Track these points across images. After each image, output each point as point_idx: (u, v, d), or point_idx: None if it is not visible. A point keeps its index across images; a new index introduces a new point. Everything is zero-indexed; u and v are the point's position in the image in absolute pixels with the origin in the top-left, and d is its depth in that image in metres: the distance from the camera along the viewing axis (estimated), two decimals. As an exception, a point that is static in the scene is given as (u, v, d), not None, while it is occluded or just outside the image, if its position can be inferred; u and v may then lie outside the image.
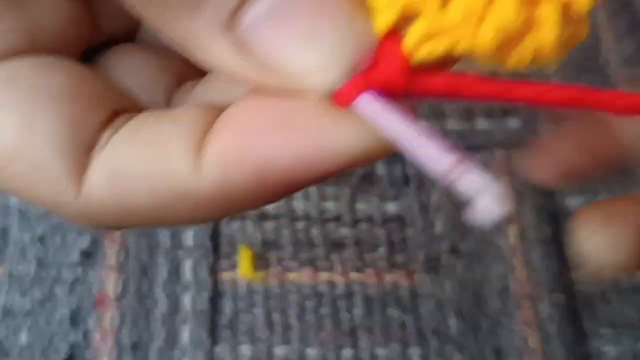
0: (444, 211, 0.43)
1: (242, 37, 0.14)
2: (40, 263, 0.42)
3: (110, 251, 0.42)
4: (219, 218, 0.17)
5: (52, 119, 0.16)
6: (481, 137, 0.45)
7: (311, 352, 0.40)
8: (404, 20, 0.13)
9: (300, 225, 0.43)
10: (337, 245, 0.42)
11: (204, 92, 0.19)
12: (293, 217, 0.43)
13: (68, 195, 0.16)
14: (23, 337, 0.40)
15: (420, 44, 0.13)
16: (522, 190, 0.43)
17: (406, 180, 0.44)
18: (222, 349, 0.40)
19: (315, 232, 0.43)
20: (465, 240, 0.42)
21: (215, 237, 0.43)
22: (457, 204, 0.43)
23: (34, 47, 0.17)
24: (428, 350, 0.40)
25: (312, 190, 0.44)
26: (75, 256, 0.42)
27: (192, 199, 0.16)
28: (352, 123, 0.14)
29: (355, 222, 0.43)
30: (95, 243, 0.43)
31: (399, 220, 0.43)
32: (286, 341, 0.40)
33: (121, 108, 0.17)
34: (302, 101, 0.15)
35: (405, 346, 0.40)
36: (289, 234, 0.43)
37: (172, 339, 0.40)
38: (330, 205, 0.43)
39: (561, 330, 0.40)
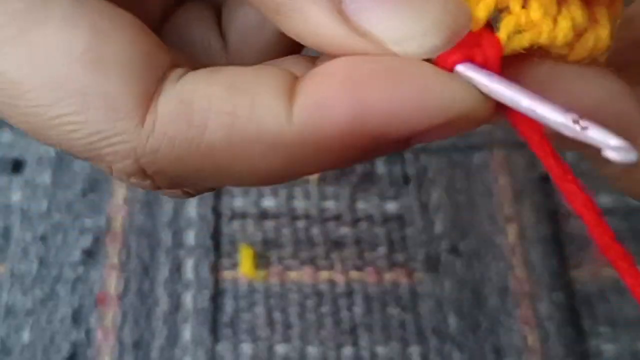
0: (443, 210, 0.43)
1: (343, 4, 0.15)
2: (42, 262, 0.42)
3: (112, 250, 0.42)
4: (291, 174, 0.16)
5: (125, 43, 0.15)
6: (481, 137, 0.45)
7: (312, 350, 0.40)
8: (494, 14, 0.16)
9: (301, 224, 0.43)
10: (337, 244, 0.43)
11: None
12: (294, 216, 0.43)
13: (127, 127, 0.15)
14: (25, 336, 0.40)
15: (512, 35, 0.15)
16: (522, 190, 0.43)
17: (406, 179, 0.44)
18: (223, 347, 0.40)
19: (315, 231, 0.43)
20: (464, 240, 0.42)
21: (216, 236, 0.43)
22: (456, 203, 0.43)
23: None
24: (428, 348, 0.40)
25: (313, 189, 0.44)
26: (76, 255, 0.42)
27: (275, 144, 0.15)
28: (458, 83, 0.15)
29: (355, 221, 0.43)
30: (97, 242, 0.43)
31: (399, 219, 0.43)
32: (287, 339, 0.40)
33: (185, 63, 0.17)
34: (406, 59, 0.15)
35: (405, 345, 0.40)
36: (289, 233, 0.43)
37: (173, 338, 0.40)
38: (330, 205, 0.43)
39: (560, 329, 0.40)
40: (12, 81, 0.15)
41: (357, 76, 0.15)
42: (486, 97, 0.15)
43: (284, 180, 0.17)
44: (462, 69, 0.15)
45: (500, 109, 0.15)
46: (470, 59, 0.15)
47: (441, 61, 0.15)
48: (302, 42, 0.16)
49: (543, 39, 0.15)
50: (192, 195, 0.19)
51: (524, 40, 0.15)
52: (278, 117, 0.15)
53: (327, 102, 0.14)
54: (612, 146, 0.14)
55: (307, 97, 0.15)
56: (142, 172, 0.16)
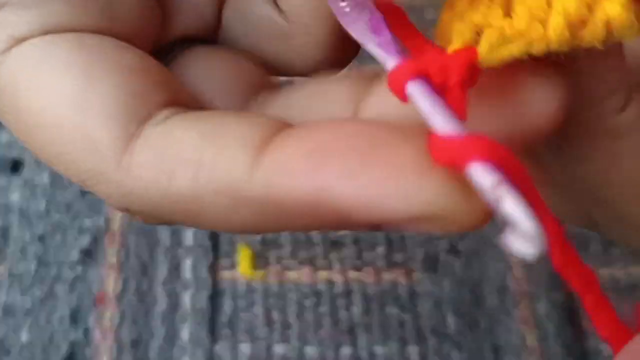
0: (442, 210, 0.43)
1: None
2: (41, 262, 0.42)
3: (110, 250, 0.42)
4: (263, 229, 0.17)
5: (112, 87, 0.16)
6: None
7: (310, 350, 0.40)
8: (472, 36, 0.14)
9: (300, 224, 0.43)
10: (336, 244, 0.42)
11: (278, 105, 0.18)
12: (292, 216, 0.43)
13: (109, 164, 0.16)
14: (23, 336, 0.40)
15: (495, 47, 0.14)
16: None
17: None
18: (221, 347, 0.40)
19: (314, 230, 0.43)
20: (463, 240, 0.42)
21: (215, 236, 0.43)
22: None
23: (112, 31, 0.17)
24: (426, 348, 0.40)
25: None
26: (75, 255, 0.42)
27: (237, 197, 0.15)
28: (438, 179, 0.13)
29: (354, 221, 0.43)
30: (96, 242, 0.43)
31: (398, 219, 0.43)
32: (285, 339, 0.40)
33: (185, 102, 0.17)
34: (384, 144, 0.14)
35: (404, 344, 0.40)
36: (288, 233, 0.43)
37: (171, 337, 0.40)
38: (329, 204, 0.43)
39: (559, 329, 0.40)
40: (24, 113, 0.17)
41: (327, 149, 0.14)
42: (471, 200, 0.13)
43: (260, 232, 0.17)
44: (412, 88, 0.14)
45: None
46: (424, 75, 0.14)
47: (392, 80, 0.14)
48: None
49: (536, 47, 0.14)
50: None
51: (513, 50, 0.14)
52: (240, 171, 0.15)
53: (288, 169, 0.14)
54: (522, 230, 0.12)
55: (271, 158, 0.15)
56: (130, 211, 0.17)
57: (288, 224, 0.15)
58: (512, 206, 0.12)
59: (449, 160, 0.13)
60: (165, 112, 0.16)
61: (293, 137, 0.15)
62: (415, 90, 0.14)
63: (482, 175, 0.12)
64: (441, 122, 0.13)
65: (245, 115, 0.17)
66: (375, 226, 0.14)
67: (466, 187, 0.13)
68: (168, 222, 0.18)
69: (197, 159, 0.15)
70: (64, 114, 0.16)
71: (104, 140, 0.16)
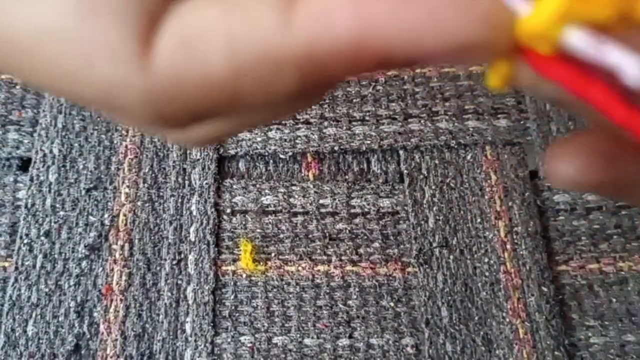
0: (436, 206, 0.43)
1: None
2: (47, 257, 0.42)
3: (116, 245, 0.43)
4: (299, 90, 0.14)
5: None
6: (472, 136, 0.45)
7: (309, 341, 0.40)
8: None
9: (299, 220, 0.43)
10: (333, 239, 0.43)
11: None
12: (292, 212, 0.43)
13: (133, 68, 0.14)
14: (30, 329, 0.40)
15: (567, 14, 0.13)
16: (512, 187, 0.44)
17: (400, 177, 0.45)
18: (223, 339, 0.40)
19: (313, 226, 0.43)
20: (456, 235, 0.43)
21: (217, 231, 0.43)
22: (449, 200, 0.44)
23: None
24: (421, 340, 0.41)
25: (310, 186, 0.44)
26: (81, 250, 0.43)
27: (277, 61, 0.13)
28: (479, 8, 0.13)
29: (351, 217, 0.43)
30: (101, 237, 0.43)
31: (393, 215, 0.44)
32: (285, 331, 0.41)
33: None
34: None
35: (399, 336, 0.41)
36: (288, 229, 0.43)
37: (175, 330, 0.41)
38: (327, 201, 0.44)
39: (550, 322, 0.40)
40: (18, 36, 0.14)
41: None
42: (507, 32, 0.13)
43: (305, 105, 0.15)
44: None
45: (522, 51, 0.14)
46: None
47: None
48: None
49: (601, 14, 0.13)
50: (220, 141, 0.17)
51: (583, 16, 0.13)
52: (276, 31, 0.13)
53: (328, 16, 0.13)
54: None
55: (306, 10, 0.13)
56: (158, 116, 0.15)
57: (329, 77, 0.14)
58: (618, 54, 0.13)
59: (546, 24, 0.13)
60: (175, 3, 0.14)
61: None
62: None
63: (583, 35, 0.13)
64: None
65: None
66: (411, 62, 0.14)
67: (501, 18, 0.13)
68: (203, 118, 0.16)
69: (227, 31, 0.13)
70: (66, 25, 0.14)
71: (122, 43, 0.14)
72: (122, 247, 0.42)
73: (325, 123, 0.46)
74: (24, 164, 0.46)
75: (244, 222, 0.43)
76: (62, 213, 0.43)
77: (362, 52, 0.13)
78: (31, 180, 0.44)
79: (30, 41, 0.14)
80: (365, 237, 0.43)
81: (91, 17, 0.14)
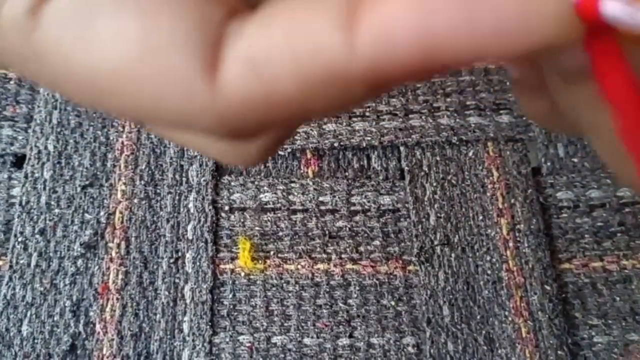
0: (437, 204, 0.43)
1: None
2: (42, 255, 0.42)
3: (112, 243, 0.42)
4: (369, 98, 0.15)
5: (174, 16, 0.14)
6: (474, 132, 0.44)
7: (309, 341, 0.40)
8: None
9: (298, 217, 0.42)
10: (333, 237, 0.42)
11: None
12: (291, 210, 0.43)
13: (203, 95, 0.14)
14: (25, 329, 0.40)
15: None
16: (514, 184, 0.43)
17: (401, 174, 0.44)
18: (221, 339, 0.40)
19: (312, 224, 0.42)
20: (458, 232, 0.42)
21: (215, 229, 0.42)
22: (450, 197, 0.43)
23: None
24: (422, 339, 0.40)
25: (310, 183, 0.43)
26: (76, 248, 0.42)
27: (344, 78, 0.14)
28: (549, 9, 0.12)
29: (351, 215, 0.43)
30: (97, 235, 0.42)
31: (394, 212, 0.43)
32: (284, 331, 0.40)
33: (242, 5, 0.15)
34: None
35: (400, 335, 0.40)
36: (287, 226, 0.42)
37: (172, 330, 0.40)
38: (327, 198, 0.43)
39: (553, 320, 0.39)
40: (97, 78, 0.15)
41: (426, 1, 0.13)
42: (573, 21, 0.13)
43: (372, 98, 0.16)
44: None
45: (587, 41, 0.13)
46: None
47: None
48: None
49: None
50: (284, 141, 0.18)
51: None
52: (340, 49, 0.13)
53: (392, 32, 0.13)
54: None
55: (368, 26, 0.13)
56: (230, 133, 0.15)
57: (394, 85, 0.14)
58: None
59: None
60: (234, 26, 0.15)
61: None
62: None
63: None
64: None
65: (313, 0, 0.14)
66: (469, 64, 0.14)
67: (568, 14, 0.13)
68: (271, 129, 0.16)
69: (292, 53, 0.14)
70: (133, 60, 0.14)
71: (190, 75, 0.14)
72: (119, 245, 0.42)
73: (325, 119, 0.45)
74: (18, 161, 0.45)
75: (242, 220, 0.42)
76: (57, 210, 0.43)
77: (427, 64, 0.13)
78: (25, 177, 0.43)
79: (106, 82, 0.15)
80: (366, 234, 0.42)
81: (154, 55, 0.14)
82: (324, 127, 0.45)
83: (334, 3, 0.14)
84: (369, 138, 0.44)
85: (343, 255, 0.41)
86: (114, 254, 0.41)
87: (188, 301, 0.40)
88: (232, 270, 0.41)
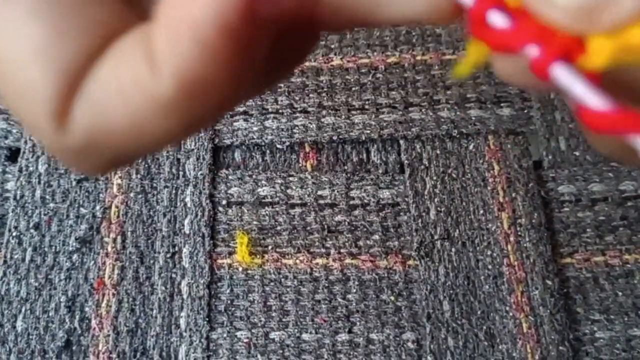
0: (437, 198, 0.42)
1: None
2: (37, 250, 0.41)
3: (108, 238, 0.41)
4: (195, 123, 0.16)
5: (69, 43, 0.15)
6: (474, 125, 0.44)
7: (307, 336, 0.39)
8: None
9: (297, 211, 0.42)
10: (332, 231, 0.41)
11: None
12: (289, 204, 0.42)
13: (50, 135, 0.15)
14: (19, 324, 0.39)
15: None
16: (515, 178, 0.42)
17: (401, 167, 0.43)
18: (219, 335, 0.39)
19: (311, 218, 0.42)
20: (458, 227, 0.42)
21: (212, 223, 0.42)
22: (451, 191, 0.42)
23: None
24: (422, 334, 0.39)
25: (308, 177, 0.43)
26: (72, 243, 0.41)
27: (161, 104, 0.14)
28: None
29: (350, 209, 0.42)
30: (92, 230, 0.41)
31: (394, 207, 0.42)
32: (282, 326, 0.39)
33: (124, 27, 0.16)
34: None
35: (400, 331, 0.39)
36: (285, 221, 0.42)
37: (169, 325, 0.39)
38: (325, 192, 0.42)
39: (554, 316, 0.39)
40: None
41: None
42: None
43: (198, 124, 0.16)
44: (559, 71, 0.13)
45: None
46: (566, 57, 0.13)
47: (536, 65, 0.13)
48: None
49: None
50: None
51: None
52: (149, 77, 0.14)
53: (176, 41, 0.14)
54: None
55: (161, 51, 0.14)
56: (73, 164, 0.17)
57: (213, 92, 0.15)
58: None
59: (610, 131, 0.13)
60: (95, 65, 0.15)
61: (160, 16, 0.14)
62: (562, 72, 0.13)
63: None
64: (595, 100, 0.13)
65: (137, 31, 0.15)
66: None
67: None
68: (122, 163, 0.18)
69: (118, 85, 0.15)
70: (27, 68, 0.15)
71: (40, 116, 0.15)
72: (115, 239, 0.41)
73: (324, 112, 0.44)
74: (13, 154, 0.44)
75: (240, 214, 0.42)
76: (52, 205, 0.42)
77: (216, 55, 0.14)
78: (20, 171, 0.43)
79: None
80: (365, 229, 0.41)
81: (40, 65, 0.15)
82: (322, 120, 0.44)
83: (143, 36, 0.15)
84: (368, 131, 0.43)
85: (342, 250, 0.41)
86: (109, 249, 0.41)
87: (185, 296, 0.40)
88: (230, 265, 0.41)
